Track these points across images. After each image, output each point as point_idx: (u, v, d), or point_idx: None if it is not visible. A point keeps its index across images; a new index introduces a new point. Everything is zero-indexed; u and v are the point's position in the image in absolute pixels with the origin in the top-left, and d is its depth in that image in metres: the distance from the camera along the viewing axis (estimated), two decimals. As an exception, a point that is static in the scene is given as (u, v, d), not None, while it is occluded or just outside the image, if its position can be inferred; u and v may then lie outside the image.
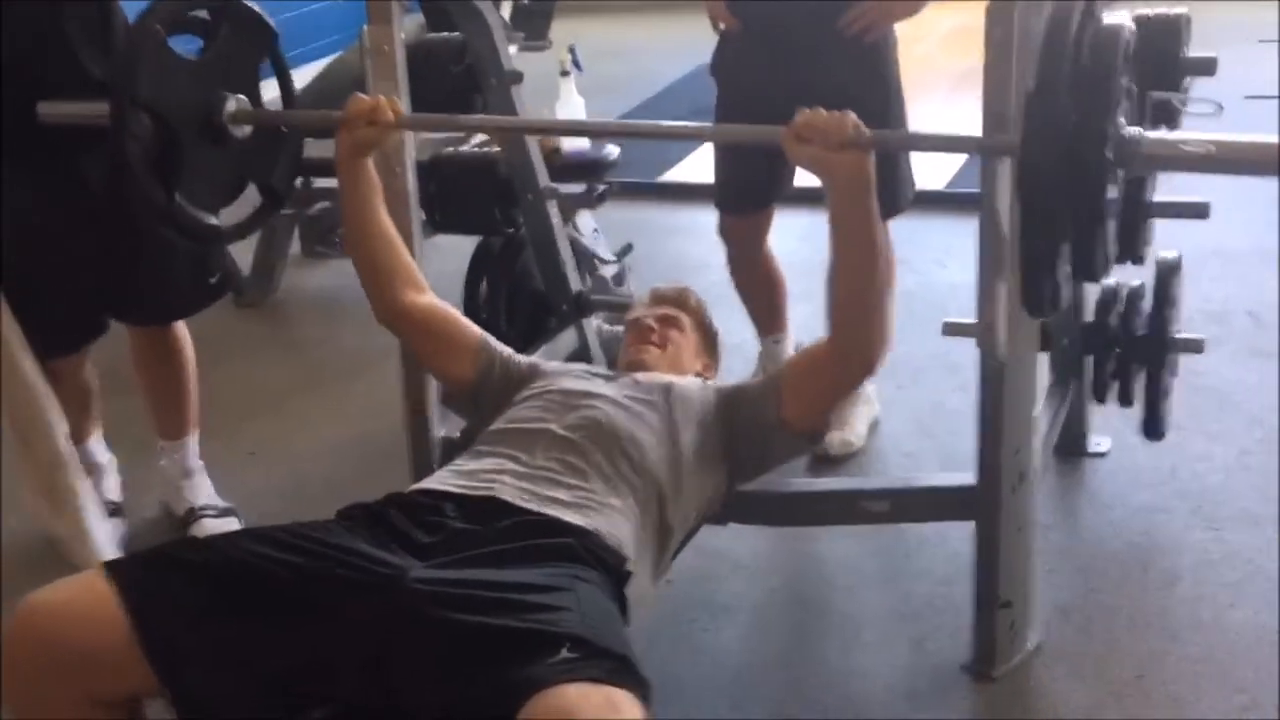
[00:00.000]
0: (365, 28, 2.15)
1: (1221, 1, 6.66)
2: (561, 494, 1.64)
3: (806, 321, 3.34)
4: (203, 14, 1.99)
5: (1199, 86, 2.32)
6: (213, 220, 1.90)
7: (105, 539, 2.36)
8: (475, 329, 1.97)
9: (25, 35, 2.11)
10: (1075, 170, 1.25)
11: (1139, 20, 2.15)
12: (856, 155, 1.57)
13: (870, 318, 1.70)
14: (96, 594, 1.37)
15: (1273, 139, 1.35)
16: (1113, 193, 1.36)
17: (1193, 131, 1.39)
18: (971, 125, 1.77)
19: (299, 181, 4.02)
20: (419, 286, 1.94)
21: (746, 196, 2.75)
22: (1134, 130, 1.34)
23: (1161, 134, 1.41)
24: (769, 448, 1.85)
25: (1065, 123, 1.26)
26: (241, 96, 1.94)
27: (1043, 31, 1.35)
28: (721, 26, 2.62)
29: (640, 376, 1.91)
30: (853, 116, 1.58)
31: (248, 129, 1.94)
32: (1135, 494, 2.53)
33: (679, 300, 2.17)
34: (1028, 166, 1.27)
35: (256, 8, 2.04)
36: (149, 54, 1.83)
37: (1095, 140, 1.25)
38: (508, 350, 1.98)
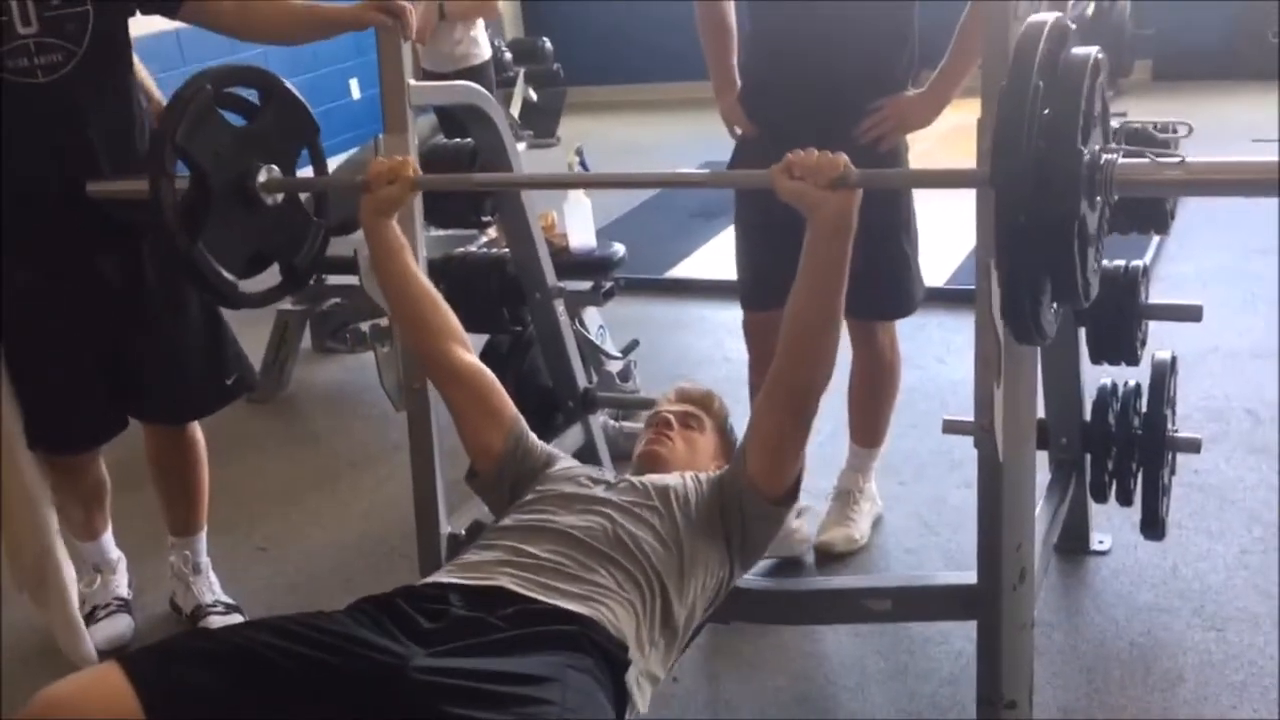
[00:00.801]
0: (380, 135, 2.21)
1: (1215, 102, 6.82)
2: (565, 584, 1.67)
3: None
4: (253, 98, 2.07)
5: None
6: (230, 276, 1.95)
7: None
8: (510, 402, 1.99)
9: (42, 147, 2.18)
10: (1046, 192, 1.27)
11: (1127, 130, 2.23)
12: (844, 194, 1.60)
13: (817, 337, 1.72)
14: (112, 686, 1.39)
15: (1245, 159, 1.38)
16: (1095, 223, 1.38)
17: (1165, 152, 1.41)
18: (971, 224, 1.81)
19: (311, 279, 4.11)
20: (466, 344, 1.98)
21: (767, 295, 2.77)
22: (1107, 154, 1.37)
23: (1134, 159, 1.43)
24: (745, 518, 1.84)
25: (1034, 145, 1.28)
26: (275, 167, 2.01)
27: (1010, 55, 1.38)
28: (738, 131, 2.66)
29: (640, 480, 1.93)
30: (843, 157, 1.61)
31: (279, 198, 2.01)
32: (1137, 593, 2.54)
33: (703, 401, 2.19)
34: (999, 191, 1.29)
35: (299, 97, 2.13)
36: (196, 107, 1.91)
37: (1065, 161, 1.27)
38: (531, 433, 2.01)
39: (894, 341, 2.77)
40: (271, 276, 2.17)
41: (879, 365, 2.75)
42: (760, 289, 2.72)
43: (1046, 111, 1.28)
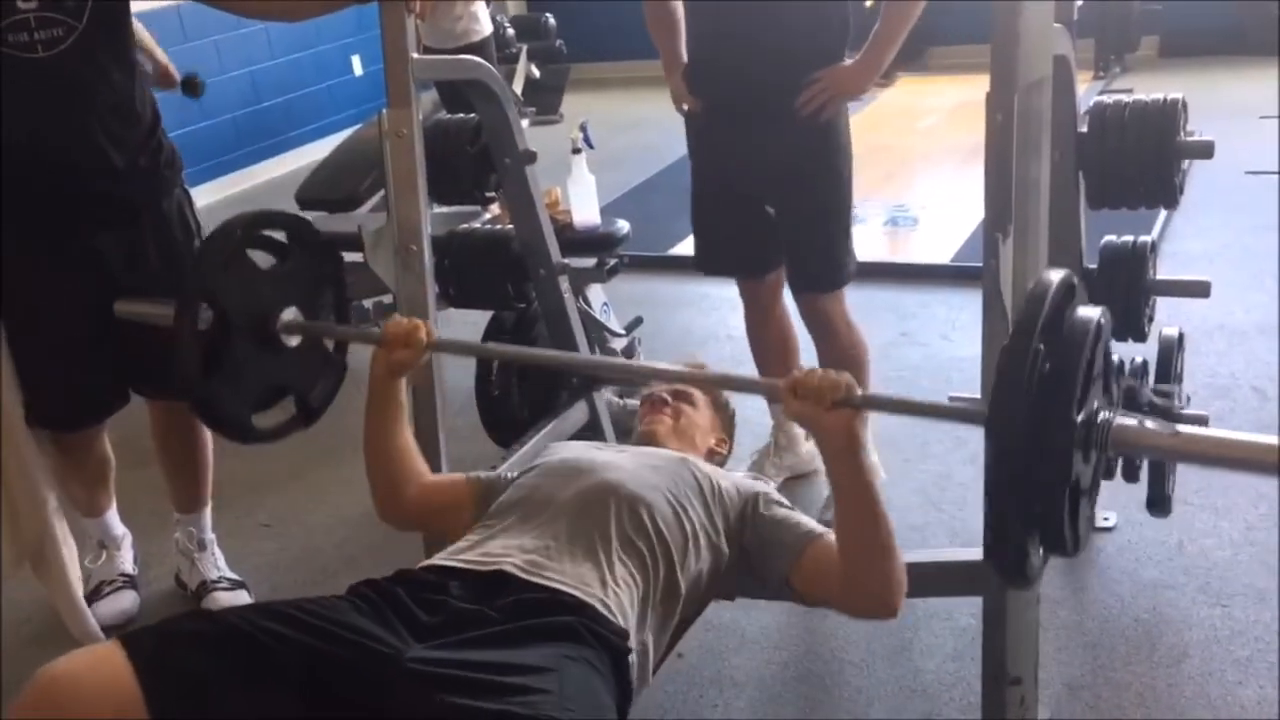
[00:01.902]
0: (384, 111, 2.20)
1: (1222, 78, 6.80)
2: (567, 564, 1.66)
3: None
4: (282, 237, 2.09)
5: (1198, 167, 2.37)
6: (244, 417, 1.99)
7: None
8: (460, 478, 1.98)
9: (53, 120, 2.17)
10: (1040, 452, 1.28)
11: (1136, 106, 2.22)
12: (845, 414, 1.59)
13: (875, 566, 1.66)
14: (112, 667, 1.40)
15: (1238, 435, 1.39)
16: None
17: (1160, 423, 1.41)
18: (979, 200, 1.80)
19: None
20: (419, 478, 1.96)
21: (725, 264, 2.87)
22: (1103, 416, 1.37)
23: (1128, 421, 1.44)
24: (766, 584, 1.83)
25: (1032, 404, 1.28)
26: (295, 309, 2.03)
27: (1021, 308, 1.39)
28: (684, 107, 2.73)
29: (652, 448, 1.93)
30: (848, 377, 1.61)
31: (297, 339, 2.03)
32: (1143, 569, 2.54)
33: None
34: (993, 445, 1.30)
35: (327, 239, 2.16)
36: (224, 254, 1.95)
37: (1060, 426, 1.27)
38: (497, 473, 2.00)
39: (845, 316, 2.79)
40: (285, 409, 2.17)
41: (835, 340, 2.77)
42: (709, 258, 2.87)
43: (1048, 368, 1.29)
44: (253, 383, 2.00)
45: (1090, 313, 1.35)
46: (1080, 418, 1.29)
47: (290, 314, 2.01)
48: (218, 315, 1.92)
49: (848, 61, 2.55)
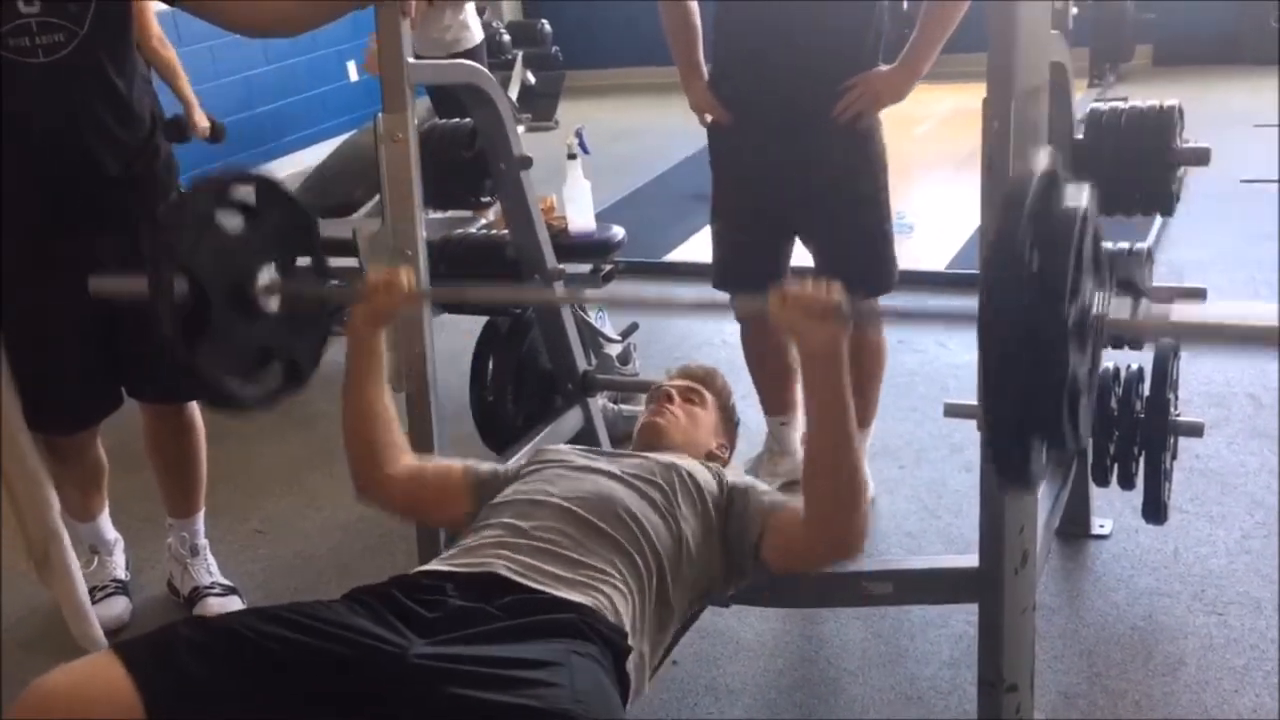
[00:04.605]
0: (380, 115, 2.19)
1: (1216, 87, 6.81)
2: (560, 569, 1.65)
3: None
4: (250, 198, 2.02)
5: (1194, 175, 2.37)
6: (232, 386, 1.93)
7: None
8: (457, 465, 1.95)
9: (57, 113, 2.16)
10: (1034, 351, 1.26)
11: (1132, 113, 2.22)
12: (831, 326, 1.58)
13: (841, 490, 1.65)
14: (109, 678, 1.37)
15: (1231, 309, 1.36)
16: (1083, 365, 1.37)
17: (1154, 307, 1.39)
18: (974, 205, 1.80)
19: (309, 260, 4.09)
20: (402, 455, 1.92)
21: (744, 279, 2.78)
22: (1096, 306, 1.35)
23: (1121, 309, 1.41)
24: (744, 569, 1.83)
25: (1022, 304, 1.25)
26: (273, 270, 1.98)
27: (999, 204, 1.36)
28: (709, 119, 2.67)
29: (643, 456, 1.93)
30: (839, 289, 1.59)
31: (277, 301, 1.99)
32: (1138, 577, 2.53)
33: (705, 378, 2.20)
34: (986, 343, 1.28)
35: (299, 200, 2.08)
36: (193, 223, 1.90)
37: (1053, 322, 1.24)
38: (495, 465, 1.98)
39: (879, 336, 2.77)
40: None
41: (864, 344, 2.75)
42: (735, 275, 2.76)
43: (1035, 264, 1.26)
44: (237, 350, 1.93)
45: (1076, 199, 1.31)
46: (1073, 313, 1.26)
47: (267, 276, 1.95)
48: (194, 287, 1.85)
49: (884, 68, 2.52)
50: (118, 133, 2.22)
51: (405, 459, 1.92)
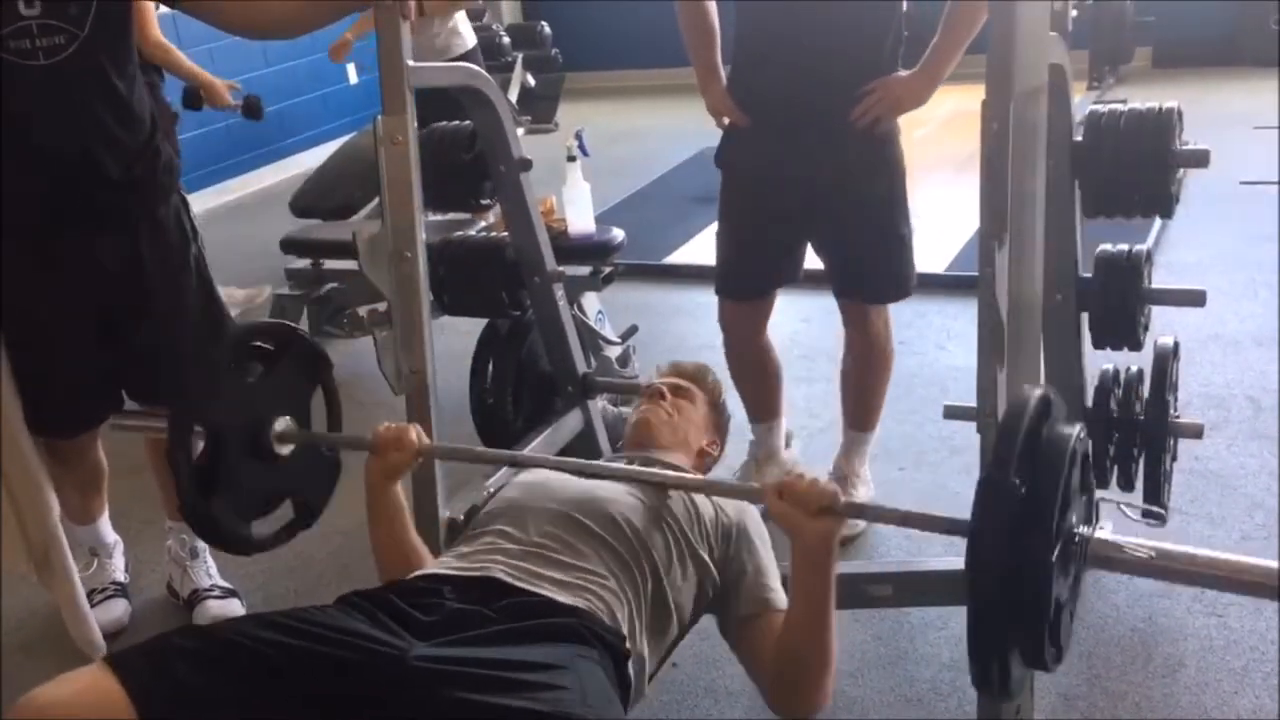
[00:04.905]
0: (379, 117, 2.19)
1: (1215, 89, 6.81)
2: (556, 573, 1.65)
3: (807, 404, 3.38)
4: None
5: (1193, 177, 2.37)
6: (245, 530, 1.99)
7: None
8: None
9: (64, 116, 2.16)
10: (1021, 569, 1.29)
11: (1131, 115, 2.22)
12: (828, 523, 1.57)
13: (811, 673, 1.64)
14: (103, 689, 1.36)
15: (1214, 553, 1.38)
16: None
17: (1137, 539, 1.43)
18: (974, 209, 1.80)
19: (309, 262, 4.09)
20: (426, 557, 1.92)
21: (750, 283, 2.78)
22: (1082, 530, 1.40)
23: (1107, 536, 1.47)
24: (717, 617, 1.85)
25: (1013, 523, 1.29)
26: (288, 418, 2.02)
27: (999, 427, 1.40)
28: (726, 121, 2.65)
29: (640, 460, 1.93)
30: (834, 487, 1.58)
31: (291, 447, 2.02)
32: (1138, 579, 2.52)
33: (696, 375, 2.22)
34: (974, 558, 1.31)
35: (315, 342, 2.14)
36: (212, 378, 1.96)
37: (1039, 551, 1.28)
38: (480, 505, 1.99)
39: (888, 325, 2.77)
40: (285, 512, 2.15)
41: (873, 349, 2.75)
42: (739, 280, 2.76)
43: (1025, 492, 1.30)
44: (251, 494, 1.99)
45: (1067, 433, 1.35)
46: (1059, 541, 1.30)
47: (283, 424, 1.99)
48: (211, 437, 1.91)
49: (903, 73, 2.51)
50: (118, 135, 2.22)
51: (423, 555, 1.92)
